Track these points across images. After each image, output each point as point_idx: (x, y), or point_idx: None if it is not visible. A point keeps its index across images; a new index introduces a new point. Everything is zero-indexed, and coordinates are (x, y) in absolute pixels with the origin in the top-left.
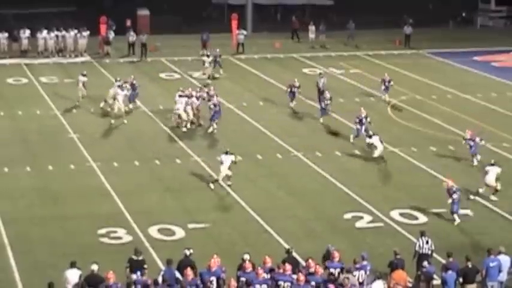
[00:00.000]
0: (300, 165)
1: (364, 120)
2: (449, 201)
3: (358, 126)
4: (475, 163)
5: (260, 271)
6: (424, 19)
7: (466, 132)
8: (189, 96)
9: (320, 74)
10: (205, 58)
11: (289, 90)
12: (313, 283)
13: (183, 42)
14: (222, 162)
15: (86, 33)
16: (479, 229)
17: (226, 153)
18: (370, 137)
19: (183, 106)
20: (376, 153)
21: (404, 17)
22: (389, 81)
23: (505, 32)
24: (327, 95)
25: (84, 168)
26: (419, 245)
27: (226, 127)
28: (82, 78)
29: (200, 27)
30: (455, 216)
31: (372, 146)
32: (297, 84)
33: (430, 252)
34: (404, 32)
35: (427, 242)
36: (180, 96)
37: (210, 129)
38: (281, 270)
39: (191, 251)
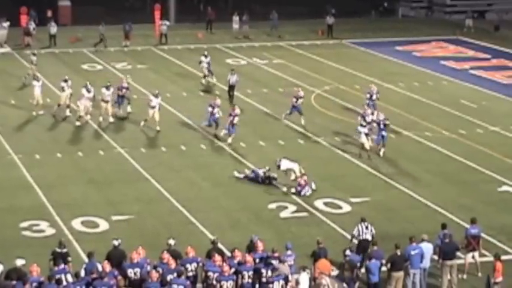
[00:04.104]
0: (224, 156)
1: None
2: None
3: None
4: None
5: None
6: (346, 9)
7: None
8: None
9: (232, 70)
10: (202, 58)
11: (295, 100)
12: (245, 273)
13: (105, 33)
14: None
15: (6, 24)
16: (403, 218)
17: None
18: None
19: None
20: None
21: (327, 7)
22: (377, 93)
23: (426, 22)
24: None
25: (5, 161)
26: (359, 231)
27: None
28: (33, 58)
29: (122, 17)
30: None
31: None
32: (301, 94)
33: (370, 237)
34: (327, 22)
35: (366, 228)
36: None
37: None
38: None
39: (119, 241)
